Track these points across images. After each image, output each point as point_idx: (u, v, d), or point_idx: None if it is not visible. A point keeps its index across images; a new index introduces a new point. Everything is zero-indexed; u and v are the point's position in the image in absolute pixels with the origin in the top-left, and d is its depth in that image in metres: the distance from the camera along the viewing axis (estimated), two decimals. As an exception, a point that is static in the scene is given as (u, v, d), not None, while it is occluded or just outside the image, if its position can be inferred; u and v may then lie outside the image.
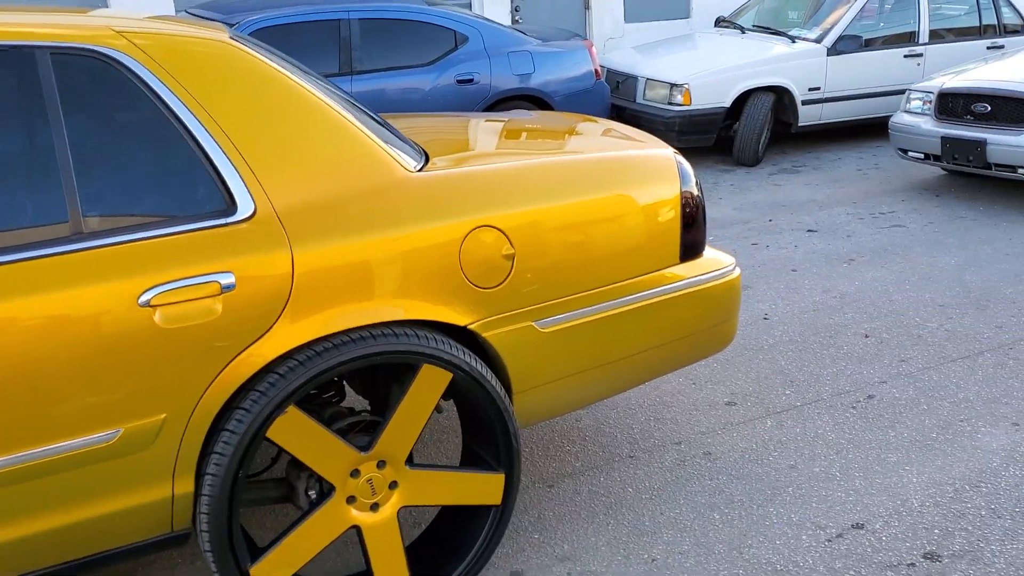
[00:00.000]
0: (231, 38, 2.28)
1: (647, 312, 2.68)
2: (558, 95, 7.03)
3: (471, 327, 2.36)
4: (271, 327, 2.10)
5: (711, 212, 6.44)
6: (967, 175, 7.02)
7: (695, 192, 2.80)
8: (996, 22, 8.47)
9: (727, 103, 7.52)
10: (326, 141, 2.24)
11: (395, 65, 6.54)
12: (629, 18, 10.81)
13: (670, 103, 7.51)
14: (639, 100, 7.76)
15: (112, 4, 8.33)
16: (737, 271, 2.94)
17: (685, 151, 8.29)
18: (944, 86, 6.43)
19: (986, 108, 6.12)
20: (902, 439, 3.30)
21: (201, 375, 2.05)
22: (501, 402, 2.40)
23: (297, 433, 2.18)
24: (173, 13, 8.15)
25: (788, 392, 3.70)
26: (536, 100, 7.01)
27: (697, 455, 3.26)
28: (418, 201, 2.30)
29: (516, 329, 2.44)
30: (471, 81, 6.69)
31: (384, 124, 2.62)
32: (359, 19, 6.45)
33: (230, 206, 2.10)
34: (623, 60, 8.25)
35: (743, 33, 8.40)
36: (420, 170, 2.39)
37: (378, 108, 6.43)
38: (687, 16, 11.18)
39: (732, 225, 6.11)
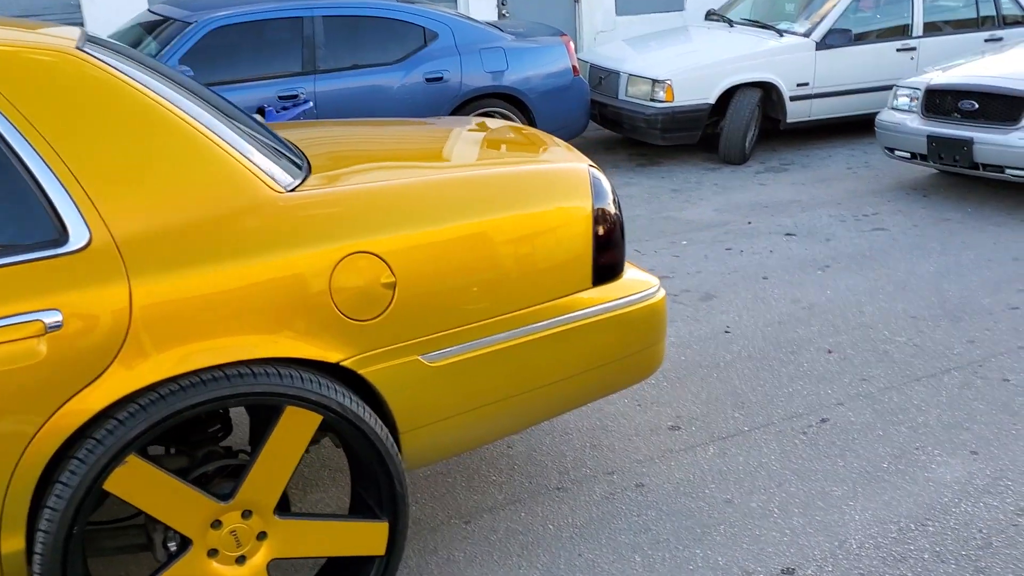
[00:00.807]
0: (81, 47, 2.08)
1: (554, 342, 2.46)
2: (533, 93, 6.81)
3: (344, 364, 2.15)
4: (106, 369, 1.90)
5: (693, 213, 6.20)
6: (958, 174, 6.74)
7: (611, 209, 2.58)
8: (995, 13, 8.15)
9: (711, 99, 7.27)
10: (177, 161, 2.03)
11: (361, 63, 6.34)
12: (620, 11, 10.55)
13: (652, 99, 7.27)
14: (621, 96, 7.53)
15: (85, 4, 8.17)
16: (661, 293, 2.72)
17: (671, 149, 8.05)
18: (932, 82, 6.16)
19: (973, 105, 5.84)
20: (851, 469, 3.07)
21: (24, 424, 1.86)
22: (381, 444, 2.20)
23: (140, 485, 1.98)
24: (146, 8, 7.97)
25: (737, 415, 3.48)
26: (510, 98, 6.79)
27: (629, 487, 3.04)
28: (283, 224, 2.10)
29: (399, 364, 2.23)
30: (441, 79, 6.48)
31: (266, 136, 2.42)
32: (323, 16, 6.25)
33: (61, 235, 1.90)
34: (607, 55, 8.01)
35: (731, 27, 8.13)
36: (293, 189, 2.18)
37: (343, 108, 6.23)
38: (681, 8, 10.90)
39: (710, 228, 5.87)
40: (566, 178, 2.52)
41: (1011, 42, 7.25)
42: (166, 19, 6.15)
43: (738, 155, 7.42)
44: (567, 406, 2.61)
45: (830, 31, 7.50)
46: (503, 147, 2.77)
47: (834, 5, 7.63)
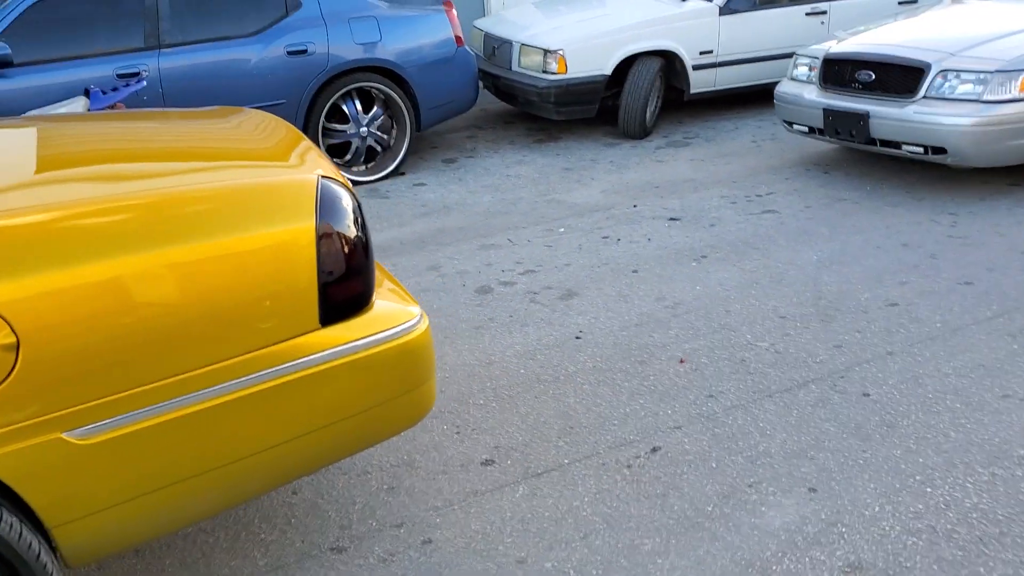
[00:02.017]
0: None
1: (263, 401, 2.01)
2: (412, 66, 6.28)
3: (-55, 452, 1.69)
4: None
5: (580, 195, 5.75)
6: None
7: (349, 231, 2.13)
8: (911, -27, 7.74)
9: (608, 71, 6.80)
10: None
11: (213, 36, 5.78)
12: (531, -27, 9.97)
13: (545, 71, 6.79)
14: (514, 68, 7.04)
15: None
16: (423, 326, 2.28)
17: (571, 123, 7.58)
18: (830, 51, 5.74)
19: (871, 76, 5.44)
20: (669, 514, 2.68)
21: None
22: (9, 549, 1.74)
23: None
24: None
25: (561, 444, 3.07)
26: (386, 72, 6.27)
27: (415, 544, 2.62)
28: None
29: (34, 445, 1.77)
30: (305, 52, 5.94)
31: None
32: (168, -16, 5.66)
33: None
34: (506, 21, 7.49)
35: (634, -9, 7.63)
36: None
37: (193, 87, 5.67)
38: (597, -30, 10.33)
39: (592, 212, 5.44)
40: (278, 194, 2.05)
41: (925, 5, 6.86)
42: (-12, -10, 5.53)
43: (638, 129, 6.98)
44: (296, 473, 2.17)
45: (734, -6, 7.05)
46: (212, 152, 2.29)
47: (738, -34, 7.16)
